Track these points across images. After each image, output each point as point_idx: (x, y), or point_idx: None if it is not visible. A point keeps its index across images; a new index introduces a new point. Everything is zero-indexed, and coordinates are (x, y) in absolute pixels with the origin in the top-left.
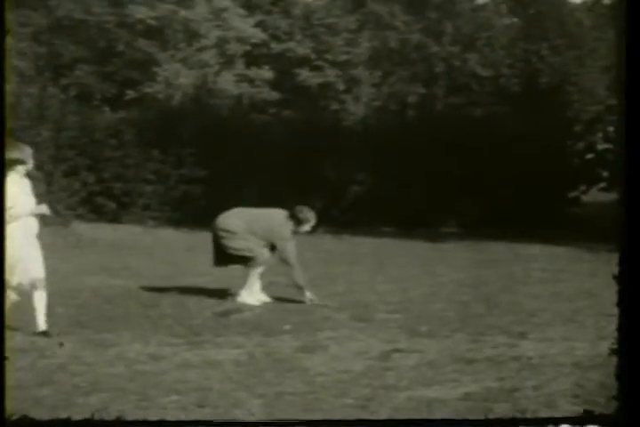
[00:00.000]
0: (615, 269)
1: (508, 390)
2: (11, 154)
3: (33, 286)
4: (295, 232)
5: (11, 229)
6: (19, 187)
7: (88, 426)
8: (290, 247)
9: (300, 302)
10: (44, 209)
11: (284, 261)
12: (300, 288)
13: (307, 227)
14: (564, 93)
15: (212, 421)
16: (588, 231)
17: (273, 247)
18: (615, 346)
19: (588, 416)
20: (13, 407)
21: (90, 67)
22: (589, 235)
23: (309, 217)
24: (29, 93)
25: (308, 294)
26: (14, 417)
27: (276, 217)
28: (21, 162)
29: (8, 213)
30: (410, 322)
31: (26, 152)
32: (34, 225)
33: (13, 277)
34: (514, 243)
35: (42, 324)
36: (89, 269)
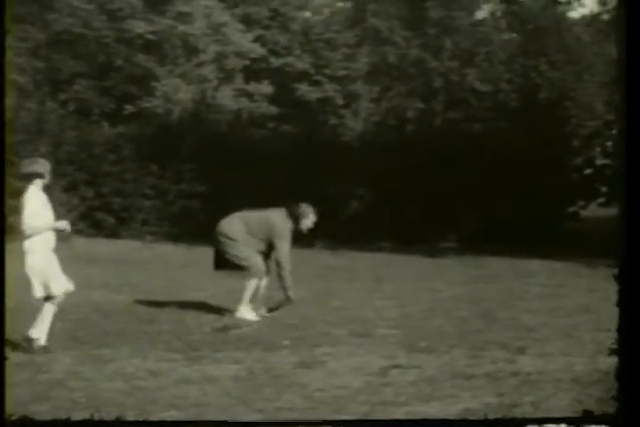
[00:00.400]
0: (612, 285)
1: (507, 406)
2: (29, 168)
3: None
4: (296, 231)
5: (34, 243)
6: (40, 200)
7: (88, 426)
8: (285, 247)
9: (281, 305)
10: (65, 225)
11: (277, 261)
12: (285, 289)
13: (307, 222)
14: (562, 109)
15: (212, 421)
16: (586, 246)
17: (267, 255)
18: (615, 346)
19: (588, 416)
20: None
21: (88, 81)
22: (588, 250)
23: (307, 212)
24: (28, 108)
25: (291, 293)
26: (14, 417)
27: (275, 215)
28: (40, 176)
29: (29, 226)
30: (408, 338)
31: (44, 166)
32: (51, 239)
33: (52, 289)
34: (513, 258)
35: (42, 339)
36: (87, 285)
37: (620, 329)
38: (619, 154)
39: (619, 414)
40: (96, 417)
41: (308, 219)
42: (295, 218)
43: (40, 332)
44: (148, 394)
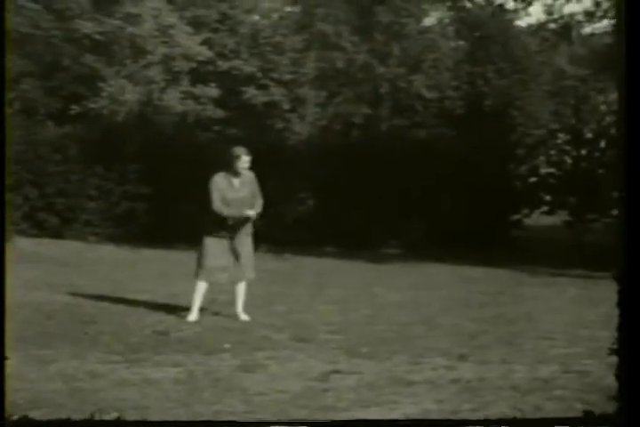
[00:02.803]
0: (555, 293)
1: (447, 413)
2: None
3: None
4: (235, 173)
5: None
6: None
7: (88, 426)
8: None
9: None
10: None
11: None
12: None
13: (240, 163)
14: (508, 117)
15: (212, 421)
16: (529, 255)
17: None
18: (615, 346)
19: (588, 416)
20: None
21: (35, 81)
22: (531, 258)
23: (236, 153)
24: None
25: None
26: (14, 417)
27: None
28: None
29: None
30: (350, 343)
31: None
32: None
33: None
34: (456, 265)
35: None
36: (30, 285)
37: (620, 329)
38: (618, 162)
39: (619, 415)
40: (96, 417)
41: (239, 159)
42: (230, 165)
43: None
44: (88, 396)
